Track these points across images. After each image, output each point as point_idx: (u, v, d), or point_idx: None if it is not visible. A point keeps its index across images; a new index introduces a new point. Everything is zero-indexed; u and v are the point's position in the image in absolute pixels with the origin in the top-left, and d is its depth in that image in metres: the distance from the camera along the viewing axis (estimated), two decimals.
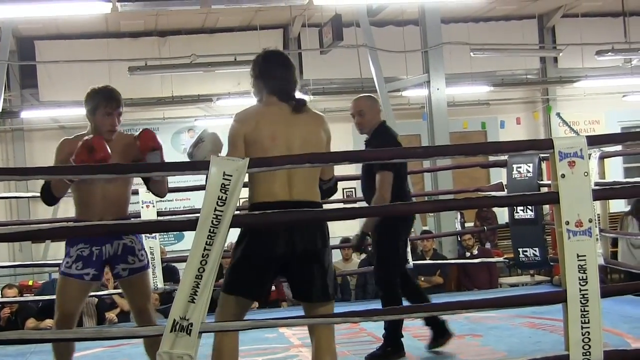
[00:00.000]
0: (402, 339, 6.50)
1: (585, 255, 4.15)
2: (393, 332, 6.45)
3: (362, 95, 6.81)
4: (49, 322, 9.60)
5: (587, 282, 4.14)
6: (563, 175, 4.14)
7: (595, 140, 4.38)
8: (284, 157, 4.34)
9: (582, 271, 4.15)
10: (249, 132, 4.48)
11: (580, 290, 4.14)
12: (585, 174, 4.16)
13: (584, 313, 4.14)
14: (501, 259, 10.46)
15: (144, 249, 5.53)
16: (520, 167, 8.83)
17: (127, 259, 5.33)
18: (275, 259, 4.38)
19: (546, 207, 10.68)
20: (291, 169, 4.37)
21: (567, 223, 4.15)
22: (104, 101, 5.43)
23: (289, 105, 4.69)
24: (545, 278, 10.66)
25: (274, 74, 4.72)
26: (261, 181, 4.44)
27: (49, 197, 5.31)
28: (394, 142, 6.46)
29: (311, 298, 4.46)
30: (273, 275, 4.52)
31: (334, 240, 7.12)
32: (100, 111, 5.39)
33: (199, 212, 4.00)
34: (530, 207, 8.78)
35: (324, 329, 4.41)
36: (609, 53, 16.90)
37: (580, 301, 4.14)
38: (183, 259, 11.28)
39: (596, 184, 7.75)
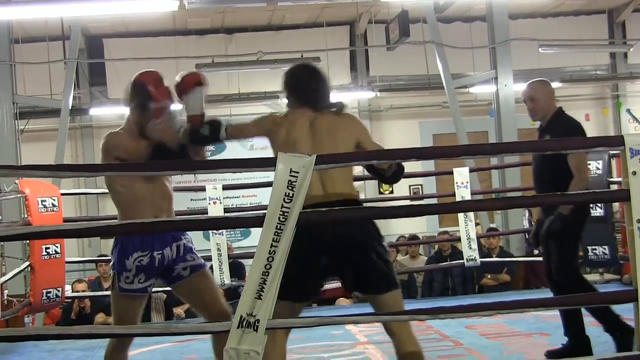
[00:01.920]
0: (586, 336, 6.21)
1: None
2: (575, 328, 6.22)
3: (535, 79, 6.67)
4: None
5: None
6: (634, 173, 4.07)
7: None
8: (351, 154, 4.36)
9: None
10: (273, 131, 4.76)
11: None
12: None
13: None
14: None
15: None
16: (589, 164, 8.72)
17: (186, 258, 5.02)
18: (323, 257, 4.39)
19: (616, 205, 10.54)
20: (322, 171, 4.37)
21: (638, 221, 4.07)
22: (153, 90, 5.20)
23: (314, 110, 4.84)
24: (615, 277, 10.53)
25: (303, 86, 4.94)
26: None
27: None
28: (578, 128, 6.15)
29: (376, 288, 4.44)
30: (323, 275, 4.52)
31: (389, 238, 7.12)
32: (152, 107, 5.15)
33: (265, 209, 4.00)
34: (599, 205, 8.68)
35: (404, 323, 4.40)
36: None
37: None
38: (249, 256, 11.37)
39: None
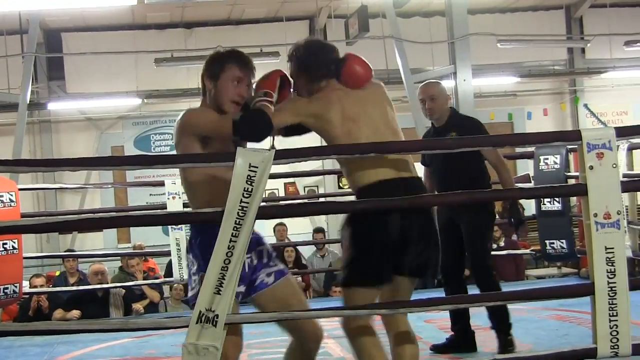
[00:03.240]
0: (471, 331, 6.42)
1: (613, 248, 4.11)
2: (462, 323, 6.39)
3: (432, 80, 6.74)
4: (75, 312, 9.66)
5: (615, 275, 4.10)
6: (591, 167, 4.10)
7: (624, 132, 4.33)
8: (310, 149, 4.35)
9: (610, 264, 4.11)
10: (323, 112, 4.40)
11: (609, 282, 4.10)
12: (614, 165, 4.11)
13: (612, 306, 4.10)
14: (528, 250, 10.42)
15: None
16: (547, 159, 8.78)
17: (269, 263, 4.28)
18: (395, 239, 4.26)
19: (573, 199, 10.62)
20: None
21: (595, 215, 4.11)
22: (235, 62, 4.35)
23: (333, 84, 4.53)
24: (573, 270, 10.62)
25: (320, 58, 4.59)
26: (368, 163, 4.32)
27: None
28: (482, 126, 6.30)
29: (432, 274, 4.49)
30: (393, 257, 4.32)
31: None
32: (228, 74, 4.31)
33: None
34: (557, 199, 8.74)
35: (400, 315, 4.42)
36: (638, 43, 16.81)
37: (609, 294, 4.10)
38: None
39: (624, 175, 7.71)
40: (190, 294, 4.24)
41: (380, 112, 4.45)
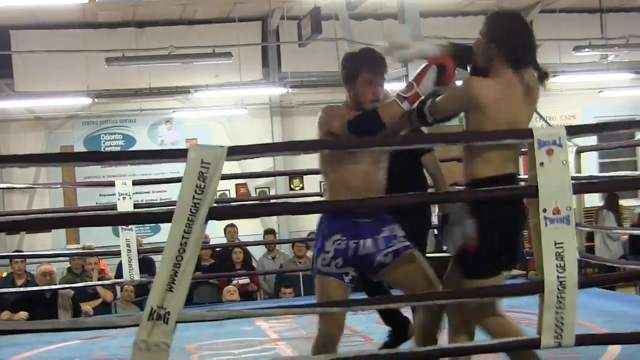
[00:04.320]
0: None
1: (563, 243, 4.15)
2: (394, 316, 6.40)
3: None
4: (22, 314, 9.56)
5: (565, 270, 4.15)
6: (542, 164, 4.15)
7: (573, 130, 4.40)
8: (263, 145, 4.36)
9: (559, 258, 4.15)
10: (491, 107, 4.34)
11: (558, 277, 4.14)
12: (564, 162, 4.17)
13: (560, 299, 4.15)
14: None
15: (403, 235, 4.80)
16: None
17: (388, 244, 4.66)
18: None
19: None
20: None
21: (545, 211, 4.15)
22: (366, 67, 4.77)
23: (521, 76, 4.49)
24: (521, 272, 10.68)
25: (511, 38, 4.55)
26: (493, 156, 4.34)
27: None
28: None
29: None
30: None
31: (300, 234, 7.15)
32: (361, 78, 4.74)
33: (174, 205, 3.97)
34: None
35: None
36: (586, 49, 16.99)
37: (558, 288, 4.15)
38: (160, 250, 11.26)
39: (573, 178, 7.77)
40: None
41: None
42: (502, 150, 4.36)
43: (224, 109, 17.46)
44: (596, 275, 9.98)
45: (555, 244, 4.16)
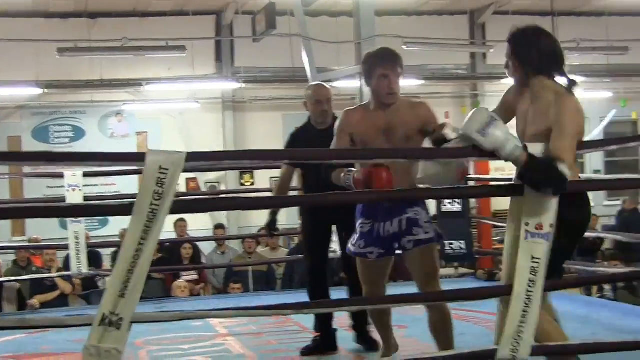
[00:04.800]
0: (334, 331, 6.47)
1: (539, 259, 4.16)
2: (322, 323, 6.44)
3: (322, 83, 6.74)
4: None
5: (535, 285, 4.17)
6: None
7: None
8: (224, 153, 4.32)
9: (533, 273, 4.16)
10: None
11: (527, 291, 4.16)
12: None
13: (525, 313, 4.16)
14: None
15: (430, 221, 5.13)
16: None
17: (411, 231, 5.01)
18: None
19: (472, 201, 10.76)
20: None
21: (527, 224, 4.16)
22: (378, 62, 5.09)
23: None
24: (469, 271, 10.73)
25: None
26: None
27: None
28: None
29: None
30: None
31: (250, 230, 7.14)
32: (376, 74, 5.05)
33: (126, 198, 3.93)
34: (457, 201, 8.86)
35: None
36: None
37: (525, 302, 4.17)
38: (108, 244, 11.18)
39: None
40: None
41: None
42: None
43: (176, 102, 17.37)
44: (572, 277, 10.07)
45: (532, 258, 4.18)
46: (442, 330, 5.10)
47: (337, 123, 5.27)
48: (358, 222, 5.16)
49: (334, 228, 6.58)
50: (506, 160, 4.16)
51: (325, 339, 6.44)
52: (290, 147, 6.46)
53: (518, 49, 4.66)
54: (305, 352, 6.36)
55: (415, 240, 5.01)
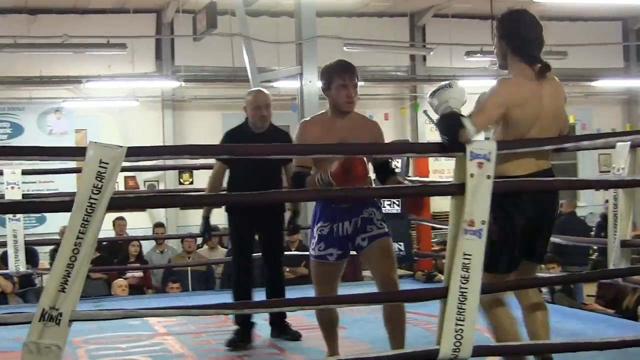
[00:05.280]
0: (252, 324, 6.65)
1: (471, 255, 4.24)
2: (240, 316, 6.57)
3: (262, 89, 6.89)
4: None
5: (468, 281, 4.23)
6: (472, 175, 4.24)
7: (505, 146, 4.45)
8: (164, 147, 4.33)
9: (465, 269, 4.23)
10: (515, 109, 4.54)
11: (461, 287, 4.23)
12: (488, 177, 4.25)
13: (461, 310, 4.22)
14: None
15: (384, 220, 5.33)
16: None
17: (365, 229, 5.19)
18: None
19: None
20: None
21: (464, 222, 4.24)
22: (337, 73, 5.28)
23: (532, 69, 4.63)
24: (408, 273, 10.83)
25: (522, 34, 4.66)
26: (519, 155, 4.56)
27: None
28: (289, 138, 6.71)
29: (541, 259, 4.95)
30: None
31: (188, 229, 7.17)
32: (335, 84, 5.24)
33: (65, 195, 3.93)
34: (397, 202, 8.94)
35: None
36: (478, 54, 17.31)
37: (459, 298, 4.23)
38: (44, 242, 11.08)
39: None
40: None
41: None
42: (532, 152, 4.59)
43: (115, 100, 17.27)
44: (497, 283, 10.18)
45: (464, 255, 4.25)
46: (396, 322, 5.20)
47: (295, 135, 5.38)
48: (316, 226, 5.26)
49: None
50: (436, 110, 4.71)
51: (245, 331, 6.61)
52: None
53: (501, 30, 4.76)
54: (229, 344, 6.55)
55: (370, 237, 5.18)
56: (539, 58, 4.63)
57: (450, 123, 4.42)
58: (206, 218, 7.08)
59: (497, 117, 4.55)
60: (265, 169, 6.34)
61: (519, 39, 4.63)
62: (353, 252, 5.33)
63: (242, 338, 6.58)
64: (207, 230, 7.11)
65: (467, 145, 4.26)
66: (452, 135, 4.35)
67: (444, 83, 4.74)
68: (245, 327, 6.62)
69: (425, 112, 4.85)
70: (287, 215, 6.87)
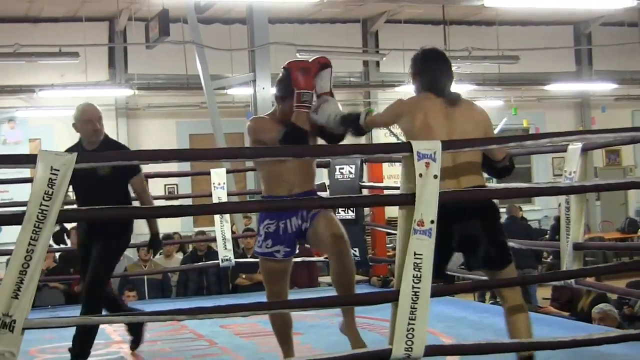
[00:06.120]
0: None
1: (422, 254, 4.28)
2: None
3: (91, 103, 6.56)
4: None
5: (420, 281, 4.27)
6: (420, 175, 4.28)
7: (449, 145, 4.52)
8: (114, 153, 4.35)
9: (417, 269, 4.27)
10: (406, 119, 4.83)
11: (413, 287, 4.26)
12: (435, 176, 4.30)
13: (413, 310, 4.25)
14: (321, 258, 10.62)
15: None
16: (342, 169, 9.04)
17: (308, 214, 5.20)
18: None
19: (366, 209, 10.90)
20: (455, 157, 4.70)
21: (414, 221, 4.29)
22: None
23: (444, 99, 4.87)
24: (364, 278, 10.88)
25: (429, 70, 5.00)
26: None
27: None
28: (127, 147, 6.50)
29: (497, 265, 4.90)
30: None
31: (144, 238, 7.13)
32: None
33: (19, 205, 3.94)
34: (352, 208, 8.98)
35: (509, 291, 4.86)
36: None
37: (412, 298, 4.26)
38: (1, 253, 11.02)
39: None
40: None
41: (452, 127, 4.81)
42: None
43: (69, 109, 17.07)
44: (447, 285, 10.24)
45: (415, 254, 4.29)
46: (344, 281, 5.16)
47: (248, 129, 5.36)
48: (262, 224, 5.28)
49: None
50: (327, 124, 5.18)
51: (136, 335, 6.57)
52: None
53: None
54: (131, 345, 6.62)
55: (311, 216, 5.19)
56: (446, 92, 4.93)
57: (352, 116, 5.14)
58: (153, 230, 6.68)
59: (389, 122, 5.11)
60: (107, 188, 6.06)
61: (429, 75, 5.01)
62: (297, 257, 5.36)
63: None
64: (155, 243, 6.74)
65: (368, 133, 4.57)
66: (355, 121, 5.07)
67: (318, 101, 5.28)
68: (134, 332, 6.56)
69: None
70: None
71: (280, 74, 5.35)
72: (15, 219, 3.94)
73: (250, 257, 11.15)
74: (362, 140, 6.01)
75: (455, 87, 4.98)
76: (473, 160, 4.83)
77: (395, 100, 5.08)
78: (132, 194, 6.44)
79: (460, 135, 4.76)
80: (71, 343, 6.05)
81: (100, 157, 4.29)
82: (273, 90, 13.35)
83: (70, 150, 5.94)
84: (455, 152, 4.66)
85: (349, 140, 5.27)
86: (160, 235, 6.79)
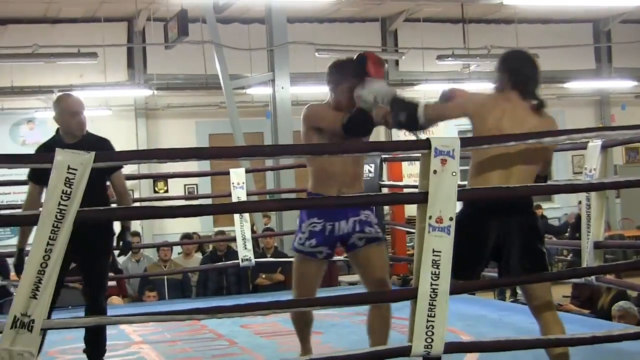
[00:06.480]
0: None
1: (440, 252, 4.24)
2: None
3: (72, 94, 6.39)
4: None
5: (439, 278, 4.24)
6: (435, 172, 4.24)
7: (468, 142, 4.49)
8: (131, 152, 4.33)
9: (435, 266, 4.23)
10: (478, 116, 4.74)
11: (432, 284, 4.23)
12: (454, 173, 4.25)
13: (432, 307, 4.23)
14: (341, 257, 10.58)
15: (378, 223, 5.37)
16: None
17: (364, 230, 5.16)
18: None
19: (386, 207, 10.86)
20: (511, 164, 4.64)
21: (430, 218, 4.24)
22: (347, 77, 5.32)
23: (529, 103, 4.81)
24: None
25: (522, 69, 4.93)
26: (480, 171, 4.70)
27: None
28: (112, 147, 6.00)
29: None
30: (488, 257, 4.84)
31: (173, 237, 7.12)
32: (342, 87, 5.28)
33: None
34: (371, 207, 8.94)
35: (542, 300, 4.77)
36: (449, 58, 17.38)
37: (430, 295, 4.22)
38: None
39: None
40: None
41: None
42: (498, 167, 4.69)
43: (88, 109, 16.94)
44: (466, 282, 10.21)
45: (434, 251, 4.25)
46: (378, 330, 5.19)
47: (303, 117, 5.28)
48: (307, 222, 5.19)
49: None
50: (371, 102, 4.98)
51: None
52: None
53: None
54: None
55: (367, 238, 5.16)
56: (533, 94, 4.83)
57: (406, 103, 4.87)
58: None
59: (453, 116, 5.00)
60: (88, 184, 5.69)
61: (521, 75, 4.90)
62: (338, 258, 5.33)
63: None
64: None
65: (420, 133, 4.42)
66: (409, 108, 4.81)
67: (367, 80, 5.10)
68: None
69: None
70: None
71: (335, 62, 5.53)
72: (31, 219, 3.92)
73: (270, 257, 11.15)
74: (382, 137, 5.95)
75: (474, 86, 4.94)
76: (527, 175, 4.76)
77: (457, 90, 5.05)
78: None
79: (528, 147, 4.69)
80: (84, 344, 5.99)
81: (117, 156, 4.25)
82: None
83: (48, 144, 5.91)
84: (508, 171, 4.65)
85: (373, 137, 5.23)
86: (179, 235, 6.67)
